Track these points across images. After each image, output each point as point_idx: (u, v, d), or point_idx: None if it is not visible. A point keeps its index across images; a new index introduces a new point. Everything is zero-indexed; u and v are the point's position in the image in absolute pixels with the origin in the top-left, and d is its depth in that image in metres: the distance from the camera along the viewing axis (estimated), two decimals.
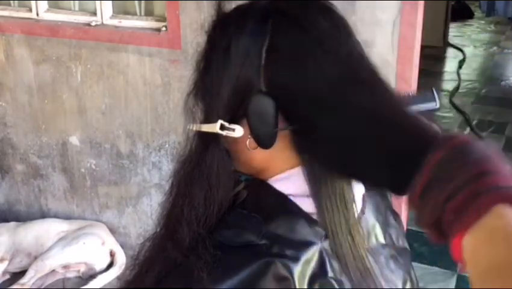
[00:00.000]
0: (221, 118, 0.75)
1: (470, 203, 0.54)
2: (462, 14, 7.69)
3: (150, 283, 0.77)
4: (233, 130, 0.75)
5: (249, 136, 0.76)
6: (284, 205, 0.77)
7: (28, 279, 2.83)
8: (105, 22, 2.87)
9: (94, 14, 2.89)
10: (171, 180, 0.81)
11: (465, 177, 0.55)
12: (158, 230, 0.81)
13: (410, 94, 0.87)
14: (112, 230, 3.12)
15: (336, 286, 0.76)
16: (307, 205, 0.76)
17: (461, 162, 0.57)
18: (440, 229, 0.57)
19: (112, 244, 3.02)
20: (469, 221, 0.53)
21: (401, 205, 2.55)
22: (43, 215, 3.29)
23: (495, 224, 0.51)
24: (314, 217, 0.76)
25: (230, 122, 0.75)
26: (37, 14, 2.98)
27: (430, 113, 0.80)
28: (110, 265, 2.99)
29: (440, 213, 0.56)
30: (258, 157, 0.78)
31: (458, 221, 0.54)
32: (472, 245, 0.52)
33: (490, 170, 0.55)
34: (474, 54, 6.57)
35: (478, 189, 0.54)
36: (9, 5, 3.09)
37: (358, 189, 0.82)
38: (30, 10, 3.00)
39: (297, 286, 0.73)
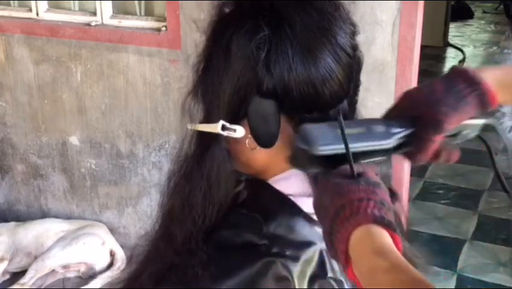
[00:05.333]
0: (223, 119, 0.75)
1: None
2: (462, 14, 7.68)
3: (148, 283, 0.78)
4: (234, 130, 0.75)
5: (249, 136, 0.76)
6: (284, 205, 0.78)
7: (28, 279, 2.83)
8: (105, 22, 2.87)
9: (94, 14, 2.89)
10: (169, 180, 0.81)
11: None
12: (155, 230, 0.82)
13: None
14: (112, 230, 3.11)
15: (336, 286, 0.76)
16: (307, 205, 0.76)
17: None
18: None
19: (112, 244, 3.02)
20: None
21: (401, 205, 2.55)
22: (43, 215, 3.29)
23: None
24: (314, 217, 0.76)
25: (231, 122, 0.75)
26: (37, 14, 2.98)
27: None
28: (110, 265, 2.99)
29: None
30: (258, 157, 0.78)
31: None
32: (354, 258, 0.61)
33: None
34: (474, 54, 6.57)
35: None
36: (9, 5, 3.09)
37: None
38: (30, 10, 3.00)
39: (297, 286, 0.73)
